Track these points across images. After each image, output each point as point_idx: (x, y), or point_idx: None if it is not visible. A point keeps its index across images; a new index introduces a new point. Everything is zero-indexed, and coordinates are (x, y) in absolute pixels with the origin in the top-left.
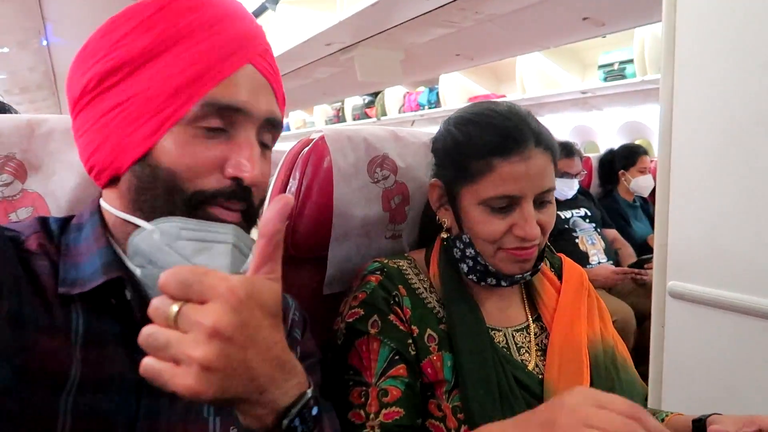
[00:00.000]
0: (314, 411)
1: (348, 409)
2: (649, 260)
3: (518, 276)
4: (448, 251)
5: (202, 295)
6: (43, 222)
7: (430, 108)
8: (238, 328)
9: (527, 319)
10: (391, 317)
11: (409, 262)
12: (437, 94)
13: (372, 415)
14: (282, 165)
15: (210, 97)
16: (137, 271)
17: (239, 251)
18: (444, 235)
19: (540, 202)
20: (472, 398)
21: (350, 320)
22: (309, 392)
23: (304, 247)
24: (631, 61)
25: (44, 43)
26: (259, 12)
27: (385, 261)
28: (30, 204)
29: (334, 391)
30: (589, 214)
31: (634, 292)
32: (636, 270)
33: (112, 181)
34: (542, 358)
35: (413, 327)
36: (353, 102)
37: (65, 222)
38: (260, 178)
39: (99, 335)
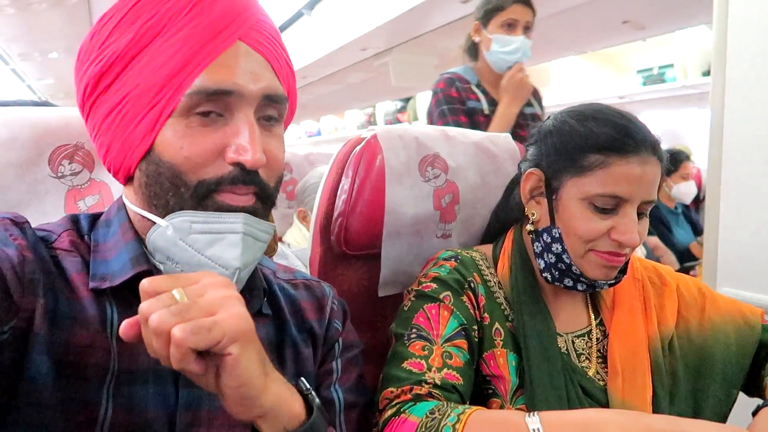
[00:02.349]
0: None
1: (404, 359)
2: (693, 267)
3: (600, 282)
4: (523, 248)
5: (192, 279)
6: (74, 219)
7: None
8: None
9: (590, 324)
10: (464, 298)
11: (480, 254)
12: None
13: (434, 369)
14: (333, 163)
15: (198, 84)
16: (161, 267)
17: (253, 238)
18: (530, 227)
19: (639, 213)
20: (540, 403)
21: (422, 289)
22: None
23: (356, 243)
24: (671, 65)
25: None
26: (294, 18)
27: (458, 250)
28: (97, 192)
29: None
30: None
31: None
32: None
33: (130, 179)
34: (603, 364)
35: (485, 315)
36: (385, 107)
37: (94, 219)
38: (264, 159)
39: None
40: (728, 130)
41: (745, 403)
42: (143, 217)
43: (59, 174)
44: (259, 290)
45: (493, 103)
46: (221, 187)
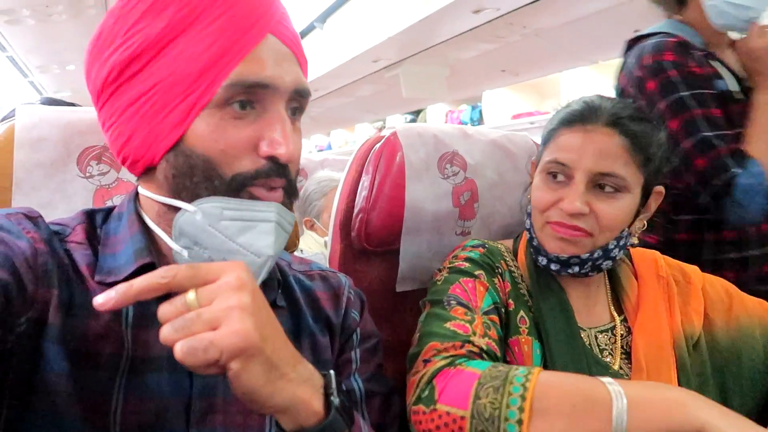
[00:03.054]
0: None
1: (448, 320)
2: None
3: (561, 257)
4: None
5: (211, 273)
6: (89, 213)
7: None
8: (254, 285)
9: (613, 319)
10: (495, 280)
11: (504, 247)
12: (480, 111)
13: (478, 333)
14: (353, 161)
15: (236, 76)
16: (184, 253)
17: (282, 228)
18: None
19: (601, 188)
20: None
21: (456, 266)
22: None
23: (376, 239)
24: None
25: None
26: (306, 31)
27: (484, 240)
28: (124, 192)
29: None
30: None
31: None
32: None
33: (148, 170)
34: (626, 361)
35: (510, 301)
36: (395, 120)
37: (109, 212)
38: (297, 154)
39: (146, 317)
40: None
41: None
42: (165, 205)
43: (87, 174)
44: (273, 281)
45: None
46: (255, 181)
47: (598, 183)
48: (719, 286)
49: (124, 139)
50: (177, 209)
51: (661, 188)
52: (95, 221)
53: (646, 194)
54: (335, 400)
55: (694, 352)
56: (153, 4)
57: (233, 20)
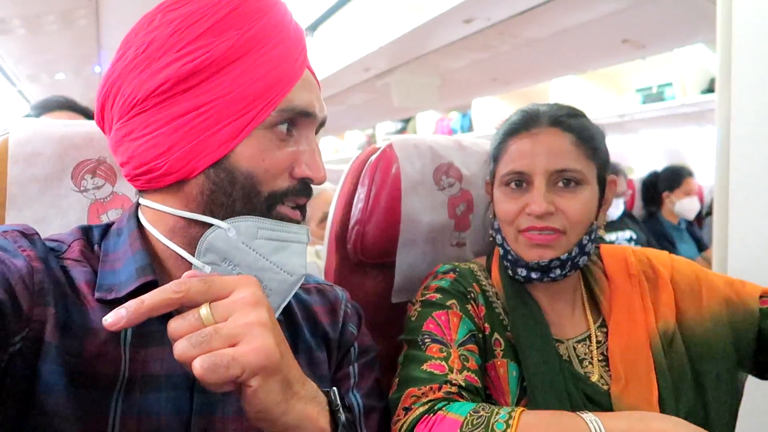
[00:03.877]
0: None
1: (423, 362)
2: None
3: (542, 262)
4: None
5: (225, 289)
6: (86, 229)
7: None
8: (267, 301)
9: (588, 328)
10: (468, 307)
11: (478, 266)
12: (470, 119)
13: (456, 370)
14: (348, 173)
15: (287, 102)
16: (206, 269)
17: (305, 249)
18: (491, 231)
19: (562, 185)
20: (543, 409)
21: (428, 299)
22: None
23: (372, 252)
24: (670, 83)
25: (97, 70)
26: None
27: (456, 264)
28: (119, 206)
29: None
30: (634, 236)
31: None
32: None
33: (173, 185)
34: (606, 368)
35: (485, 325)
36: (385, 128)
37: (107, 228)
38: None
39: (146, 335)
40: (735, 144)
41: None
42: (186, 220)
43: (82, 188)
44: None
45: None
46: (286, 198)
47: (557, 181)
48: (688, 271)
49: (160, 151)
50: (200, 224)
51: (613, 177)
52: (92, 237)
53: (602, 185)
54: (341, 416)
55: (670, 349)
56: (217, 23)
57: (289, 50)
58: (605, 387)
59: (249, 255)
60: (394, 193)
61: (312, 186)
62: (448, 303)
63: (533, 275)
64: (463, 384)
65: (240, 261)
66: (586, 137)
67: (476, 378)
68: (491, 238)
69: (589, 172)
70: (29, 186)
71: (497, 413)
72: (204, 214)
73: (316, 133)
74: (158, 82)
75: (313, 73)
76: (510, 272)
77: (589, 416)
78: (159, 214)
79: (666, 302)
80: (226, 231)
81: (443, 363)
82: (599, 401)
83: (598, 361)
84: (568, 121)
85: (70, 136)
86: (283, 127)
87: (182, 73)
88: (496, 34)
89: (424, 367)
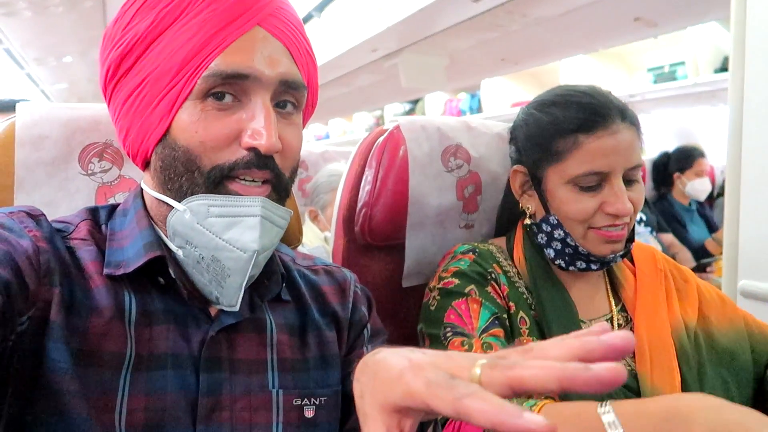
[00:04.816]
0: None
1: None
2: (710, 264)
3: (609, 257)
4: (533, 238)
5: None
6: (92, 210)
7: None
8: None
9: (611, 310)
10: (489, 289)
11: (497, 248)
12: (479, 100)
13: None
14: (355, 155)
15: (214, 67)
16: (179, 252)
17: (270, 222)
18: (527, 221)
19: (628, 180)
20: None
21: (445, 286)
22: None
23: (379, 234)
24: (682, 62)
25: None
26: (304, 20)
27: (475, 244)
28: (126, 189)
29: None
30: (644, 218)
31: None
32: (697, 274)
33: (147, 164)
34: None
35: (510, 303)
36: (393, 109)
37: (113, 209)
38: (279, 145)
39: (150, 314)
40: (748, 122)
41: None
42: (160, 201)
43: (89, 171)
44: (277, 275)
45: None
46: (234, 172)
47: (628, 177)
48: (712, 289)
49: (124, 133)
50: (168, 205)
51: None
52: (99, 218)
53: None
54: None
55: (692, 344)
56: (145, 2)
57: (216, 13)
58: (628, 368)
59: (204, 235)
60: (402, 174)
61: (330, 172)
62: (467, 290)
63: (593, 266)
64: None
65: (198, 242)
66: (640, 127)
67: None
68: (507, 222)
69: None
70: (36, 169)
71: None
72: (165, 192)
73: (296, 100)
74: (105, 70)
75: (275, 30)
76: (562, 262)
77: (607, 412)
78: (147, 194)
79: (691, 305)
80: (182, 213)
81: None
82: (626, 382)
83: None
84: (632, 114)
85: (77, 120)
86: (219, 95)
87: (117, 57)
88: (505, 13)
89: None
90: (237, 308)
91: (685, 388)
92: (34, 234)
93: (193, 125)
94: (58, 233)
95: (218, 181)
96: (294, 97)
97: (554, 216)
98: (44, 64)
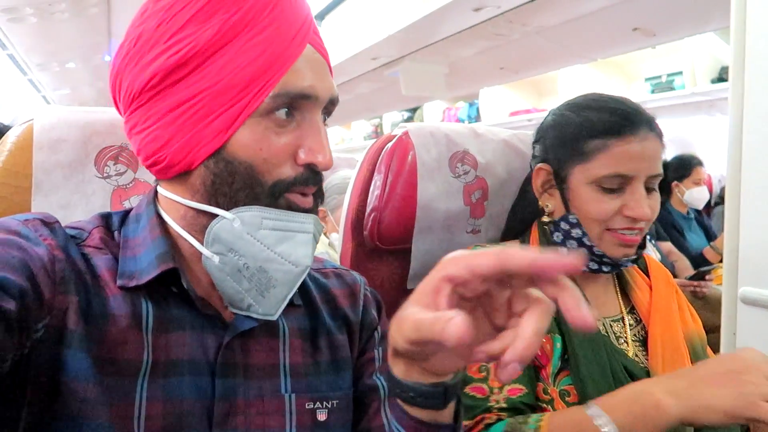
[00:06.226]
0: None
1: (465, 384)
2: (709, 271)
3: (622, 260)
4: (548, 237)
5: None
6: (106, 216)
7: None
8: None
9: (621, 311)
10: None
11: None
12: (477, 108)
13: (496, 389)
14: (364, 160)
15: (281, 86)
16: (215, 258)
17: (314, 239)
18: (546, 218)
19: (647, 188)
20: (586, 379)
21: None
22: None
23: (388, 238)
24: (680, 72)
25: (106, 58)
26: None
27: (486, 245)
28: (141, 192)
29: None
30: None
31: (693, 305)
32: (695, 282)
33: (180, 175)
34: (641, 349)
35: None
36: (392, 118)
37: (126, 214)
38: (332, 162)
39: (167, 321)
40: (748, 129)
41: None
42: (197, 211)
43: (105, 174)
44: None
45: None
46: (293, 188)
47: (648, 186)
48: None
49: (160, 144)
50: (209, 215)
51: None
52: (112, 224)
53: None
54: None
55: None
56: (200, 10)
57: (279, 31)
58: (641, 365)
59: (254, 246)
60: (411, 179)
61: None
62: None
63: (604, 268)
64: (505, 405)
65: (245, 252)
66: (663, 141)
67: (519, 386)
68: (520, 224)
69: None
70: (54, 172)
71: (526, 422)
72: (209, 204)
73: (329, 114)
74: (148, 77)
75: (319, 47)
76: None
77: (595, 412)
78: (172, 202)
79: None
80: (230, 221)
81: (483, 385)
82: (638, 376)
83: (632, 341)
84: (659, 127)
85: (93, 123)
86: (281, 113)
87: (169, 66)
88: (506, 22)
89: (466, 390)
90: (275, 317)
91: None
92: (50, 242)
93: (257, 142)
94: (72, 240)
95: (278, 195)
96: (330, 111)
97: (574, 215)
98: (47, 70)
